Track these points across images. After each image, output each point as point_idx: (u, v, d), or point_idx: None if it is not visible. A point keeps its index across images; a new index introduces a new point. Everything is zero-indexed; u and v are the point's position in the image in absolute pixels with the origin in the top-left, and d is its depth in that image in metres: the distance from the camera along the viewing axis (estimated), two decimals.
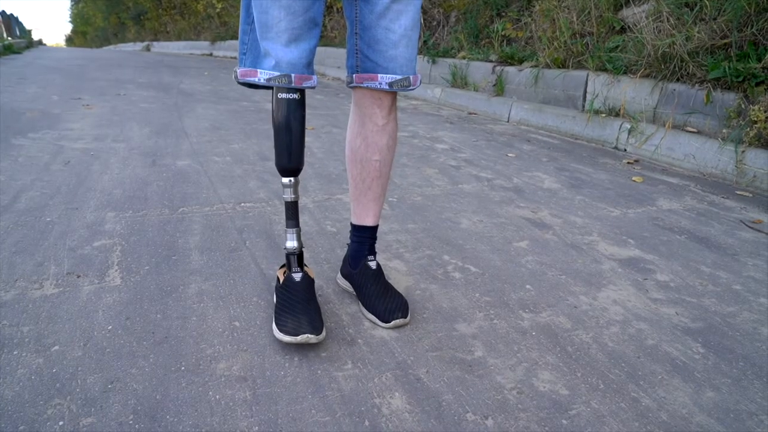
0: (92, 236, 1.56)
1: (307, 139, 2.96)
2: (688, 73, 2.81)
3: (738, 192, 2.33)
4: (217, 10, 11.32)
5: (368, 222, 1.29)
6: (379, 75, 1.11)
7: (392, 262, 1.50)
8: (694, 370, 1.07)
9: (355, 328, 1.16)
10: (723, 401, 0.98)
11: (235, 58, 10.13)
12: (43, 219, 1.67)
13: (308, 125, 3.36)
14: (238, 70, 1.09)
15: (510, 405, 0.95)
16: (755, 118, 2.37)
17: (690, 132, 2.75)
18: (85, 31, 24.72)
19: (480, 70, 4.50)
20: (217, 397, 0.93)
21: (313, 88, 1.09)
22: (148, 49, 14.52)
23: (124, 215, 1.73)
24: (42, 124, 3.03)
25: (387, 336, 1.14)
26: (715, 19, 2.76)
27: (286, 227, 1.17)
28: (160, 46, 14.09)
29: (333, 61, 7.21)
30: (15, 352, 1.02)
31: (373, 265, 1.27)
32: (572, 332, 1.19)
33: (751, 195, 2.29)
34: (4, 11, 12.91)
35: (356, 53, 1.14)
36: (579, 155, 2.95)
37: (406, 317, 1.18)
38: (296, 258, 1.16)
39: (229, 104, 4.16)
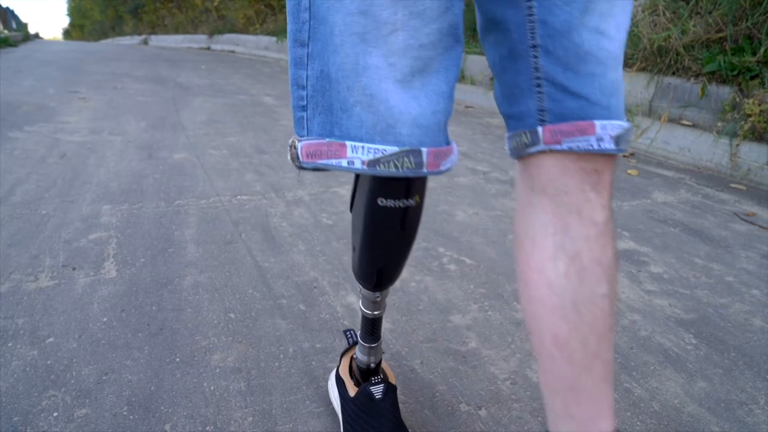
0: (88, 229, 1.56)
1: None
2: (683, 66, 2.82)
3: (732, 185, 2.34)
4: (215, 3, 11.26)
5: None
6: (597, 123, 0.53)
7: None
8: (686, 361, 1.08)
9: (350, 320, 1.16)
10: (714, 391, 0.99)
11: (232, 52, 9.92)
12: (39, 212, 1.66)
13: None
14: (299, 145, 0.52)
15: (503, 395, 0.95)
16: (749, 112, 2.37)
17: (685, 125, 2.75)
18: (83, 25, 24.56)
19: (477, 64, 4.49)
20: (212, 388, 0.94)
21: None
22: (145, 42, 14.44)
23: (120, 208, 1.73)
24: (38, 117, 3.02)
25: (382, 327, 1.15)
26: (710, 12, 2.76)
27: (361, 340, 0.83)
28: (158, 40, 14.02)
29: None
30: (9, 344, 1.03)
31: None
32: None
33: (744, 188, 2.30)
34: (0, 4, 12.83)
35: (537, 86, 0.54)
36: None
37: None
38: (373, 368, 0.84)
39: (226, 98, 4.15)
